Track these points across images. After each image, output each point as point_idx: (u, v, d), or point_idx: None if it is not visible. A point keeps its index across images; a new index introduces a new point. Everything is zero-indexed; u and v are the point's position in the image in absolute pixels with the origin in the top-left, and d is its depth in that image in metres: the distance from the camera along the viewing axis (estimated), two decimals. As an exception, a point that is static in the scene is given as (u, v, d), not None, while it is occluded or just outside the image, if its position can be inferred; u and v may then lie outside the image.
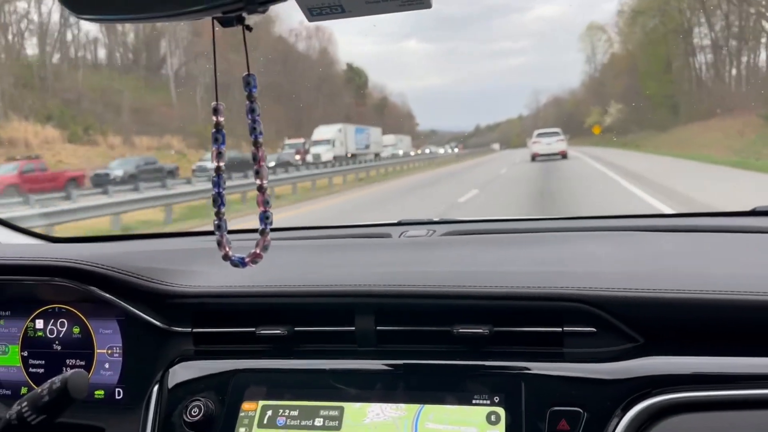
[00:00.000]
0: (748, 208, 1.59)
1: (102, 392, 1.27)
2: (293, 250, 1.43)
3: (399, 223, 1.74)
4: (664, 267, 1.16)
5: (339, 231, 1.75)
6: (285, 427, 1.04)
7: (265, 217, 0.78)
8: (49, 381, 0.93)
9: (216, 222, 0.80)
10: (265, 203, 0.79)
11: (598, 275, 1.09)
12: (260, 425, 1.05)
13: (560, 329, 1.07)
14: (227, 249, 0.81)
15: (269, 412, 1.06)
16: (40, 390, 0.93)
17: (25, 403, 0.94)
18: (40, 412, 0.93)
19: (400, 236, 1.60)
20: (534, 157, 23.83)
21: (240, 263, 0.81)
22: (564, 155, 23.59)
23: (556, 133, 24.84)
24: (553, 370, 1.02)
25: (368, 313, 1.14)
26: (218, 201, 0.80)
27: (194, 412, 1.07)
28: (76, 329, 1.31)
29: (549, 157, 23.37)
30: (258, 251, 0.79)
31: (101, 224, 11.00)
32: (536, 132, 25.93)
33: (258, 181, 0.78)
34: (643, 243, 1.35)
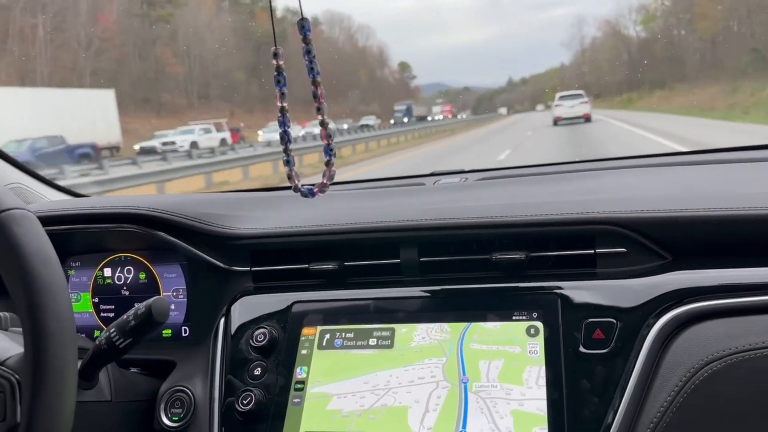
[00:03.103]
0: None
1: (169, 331, 1.38)
2: (337, 197, 1.52)
3: (432, 174, 1.82)
4: (690, 191, 1.23)
5: (375, 183, 1.84)
6: (342, 347, 1.14)
7: (329, 150, 0.86)
8: (134, 307, 1.04)
9: (285, 158, 0.89)
10: (328, 137, 0.87)
11: (627, 200, 1.17)
12: (320, 347, 1.15)
13: (593, 251, 1.15)
14: (297, 181, 0.89)
15: (327, 336, 1.16)
16: (126, 316, 1.04)
17: (113, 329, 1.04)
18: (127, 336, 1.04)
19: (434, 184, 1.68)
20: (556, 121, 23.65)
21: (309, 193, 0.89)
22: (588, 118, 23.35)
23: (579, 95, 24.57)
24: (587, 287, 1.10)
25: (412, 245, 1.23)
26: (285, 138, 0.89)
27: (260, 338, 1.18)
28: (142, 275, 1.42)
29: (572, 120, 23.14)
30: (325, 181, 0.87)
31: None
32: (558, 95, 25.65)
33: (320, 117, 0.86)
34: (672, 174, 1.42)
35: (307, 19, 0.86)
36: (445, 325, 1.12)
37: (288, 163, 0.90)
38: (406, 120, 33.09)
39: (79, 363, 1.08)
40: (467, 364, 1.08)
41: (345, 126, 27.03)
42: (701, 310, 1.02)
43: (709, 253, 1.10)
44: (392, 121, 34.35)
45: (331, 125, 0.89)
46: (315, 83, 0.87)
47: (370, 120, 31.96)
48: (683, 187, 1.28)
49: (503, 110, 52.25)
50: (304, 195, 0.90)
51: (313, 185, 0.91)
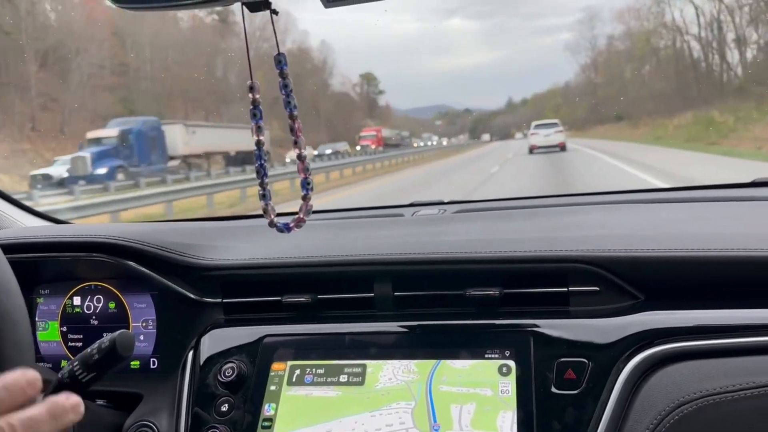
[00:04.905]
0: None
1: (137, 363, 1.35)
2: (314, 228, 1.51)
3: (411, 204, 1.82)
4: (664, 230, 1.24)
5: (353, 213, 1.83)
6: (313, 384, 1.12)
7: (306, 183, 0.85)
8: (98, 341, 1.01)
9: (260, 192, 0.88)
10: (305, 170, 0.86)
11: (601, 238, 1.17)
12: (289, 383, 1.13)
13: (566, 289, 1.15)
14: (272, 216, 0.88)
15: (297, 371, 1.14)
16: (89, 350, 1.01)
17: (76, 363, 1.01)
18: (91, 370, 1.01)
19: (413, 215, 1.68)
20: (532, 149, 23.93)
21: (285, 228, 0.88)
22: (562, 147, 23.59)
23: (554, 124, 24.94)
24: (559, 325, 1.10)
25: (386, 279, 1.22)
26: (261, 172, 0.88)
27: (228, 373, 1.16)
28: (111, 304, 1.39)
29: (548, 149, 23.39)
30: (302, 215, 0.86)
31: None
32: (534, 123, 26.00)
33: (297, 151, 0.85)
34: (646, 212, 1.43)
35: (283, 54, 0.86)
36: (412, 365, 1.09)
37: (264, 197, 0.90)
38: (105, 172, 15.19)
39: (41, 396, 1.05)
40: (438, 409, 1.04)
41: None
42: (673, 352, 1.02)
43: (682, 294, 1.10)
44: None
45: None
46: (292, 117, 0.87)
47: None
48: (657, 226, 1.29)
49: (486, 136, 50.32)
50: (280, 230, 0.89)
51: (290, 218, 0.90)
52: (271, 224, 0.88)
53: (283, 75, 0.86)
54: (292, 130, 0.86)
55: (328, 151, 28.79)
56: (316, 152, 27.56)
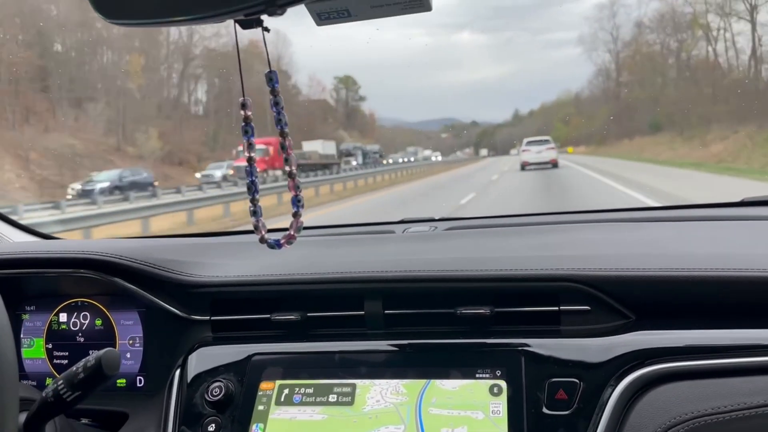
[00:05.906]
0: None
1: (124, 381, 1.33)
2: (303, 245, 1.50)
3: (402, 221, 1.82)
4: (654, 250, 1.24)
5: (344, 229, 1.83)
6: (301, 403, 1.11)
7: (297, 201, 0.85)
8: (84, 359, 0.99)
9: (251, 208, 0.87)
10: (296, 188, 0.85)
11: (592, 258, 1.17)
12: (278, 402, 1.12)
13: (557, 308, 1.15)
14: (263, 232, 0.87)
15: (286, 391, 1.13)
16: (75, 368, 1.00)
17: (61, 382, 1.00)
18: (75, 389, 0.99)
19: (403, 232, 1.67)
20: (524, 166, 23.97)
21: (276, 245, 0.88)
22: (554, 164, 23.63)
23: (546, 141, 24.95)
24: (550, 345, 1.09)
25: (376, 297, 1.21)
26: (252, 189, 0.87)
27: (215, 392, 1.14)
28: (98, 321, 1.37)
29: (540, 166, 23.43)
30: (293, 232, 0.85)
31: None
32: (526, 140, 26.02)
33: (288, 168, 0.85)
34: (636, 231, 1.43)
35: (275, 71, 0.86)
36: (401, 386, 1.08)
37: (255, 213, 0.89)
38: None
39: (25, 415, 1.03)
40: None
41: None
42: (664, 372, 1.02)
43: (673, 314, 1.10)
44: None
45: None
46: (283, 134, 0.86)
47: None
48: (648, 245, 1.29)
49: (484, 151, 49.64)
50: (271, 246, 0.88)
51: (281, 233, 0.89)
52: (262, 240, 0.88)
53: (274, 92, 0.86)
54: (282, 147, 0.86)
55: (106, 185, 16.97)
56: (99, 186, 16.66)
